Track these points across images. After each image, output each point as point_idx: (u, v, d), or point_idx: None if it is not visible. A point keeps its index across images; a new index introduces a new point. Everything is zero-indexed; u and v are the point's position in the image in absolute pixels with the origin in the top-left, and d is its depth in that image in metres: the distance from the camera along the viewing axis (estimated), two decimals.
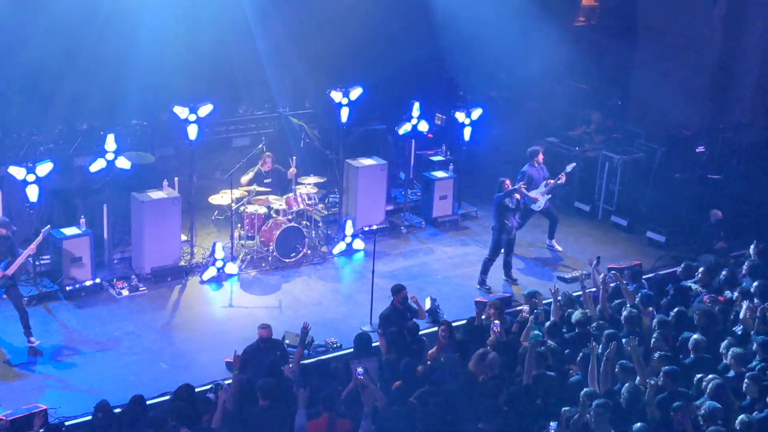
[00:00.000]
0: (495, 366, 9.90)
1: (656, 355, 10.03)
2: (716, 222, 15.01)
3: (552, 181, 15.39)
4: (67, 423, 9.95)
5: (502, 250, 14.46)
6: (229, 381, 10.04)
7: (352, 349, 11.06)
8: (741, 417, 8.73)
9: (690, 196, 16.33)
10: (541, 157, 15.43)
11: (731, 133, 17.12)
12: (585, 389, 9.19)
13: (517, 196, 14.36)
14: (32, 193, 12.97)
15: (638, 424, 8.49)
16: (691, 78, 17.89)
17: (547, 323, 10.96)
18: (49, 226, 12.67)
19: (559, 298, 11.94)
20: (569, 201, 17.61)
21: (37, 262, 13.42)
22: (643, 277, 13.13)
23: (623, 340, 10.41)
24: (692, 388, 9.64)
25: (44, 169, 13.05)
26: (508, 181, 14.38)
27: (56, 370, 11.78)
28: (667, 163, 16.78)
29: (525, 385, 9.37)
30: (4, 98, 15.83)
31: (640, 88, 18.81)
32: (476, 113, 16.56)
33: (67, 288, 13.34)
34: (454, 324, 11.55)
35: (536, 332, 11.06)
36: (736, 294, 11.90)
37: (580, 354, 10.10)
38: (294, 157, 15.29)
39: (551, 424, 8.12)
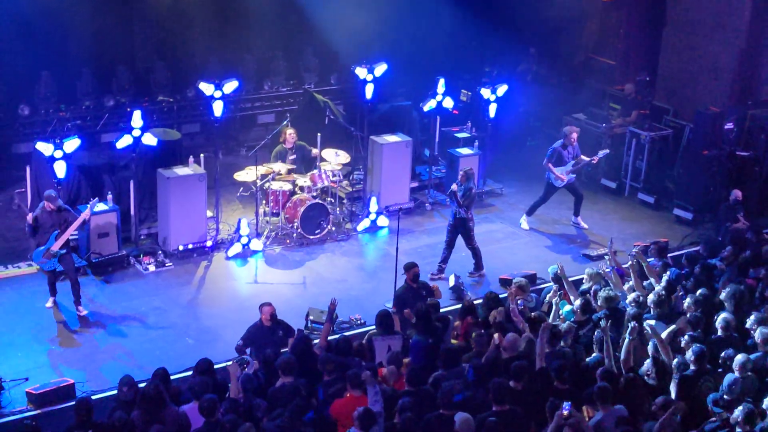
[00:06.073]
0: (516, 346, 9.85)
1: (686, 336, 9.94)
2: (734, 202, 14.87)
3: (584, 158, 15.30)
4: (94, 397, 10.07)
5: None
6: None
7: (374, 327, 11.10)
8: None
9: (718, 173, 16.16)
10: (574, 137, 15.34)
11: (760, 110, 16.90)
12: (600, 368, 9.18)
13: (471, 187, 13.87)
14: (60, 169, 13.09)
15: None
16: (719, 54, 17.67)
17: (577, 302, 10.88)
18: (96, 198, 12.85)
19: (584, 276, 11.96)
20: (595, 178, 17.50)
21: (69, 241, 13.54)
22: (669, 255, 13.07)
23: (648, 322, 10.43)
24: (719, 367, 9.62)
25: (72, 145, 13.15)
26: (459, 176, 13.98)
27: (83, 344, 11.95)
28: (695, 139, 16.60)
29: (539, 368, 9.33)
30: (32, 75, 16.02)
31: (669, 64, 18.60)
32: (502, 89, 16.47)
33: (95, 263, 13.49)
34: (476, 301, 11.59)
35: (568, 308, 11.04)
36: (762, 273, 11.82)
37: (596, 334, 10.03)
38: (319, 134, 15.32)
39: (565, 404, 8.08)
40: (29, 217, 12.14)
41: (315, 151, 15.32)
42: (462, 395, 8.67)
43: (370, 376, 8.69)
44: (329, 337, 10.71)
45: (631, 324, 9.73)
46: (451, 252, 13.84)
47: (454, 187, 13.62)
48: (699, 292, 11.03)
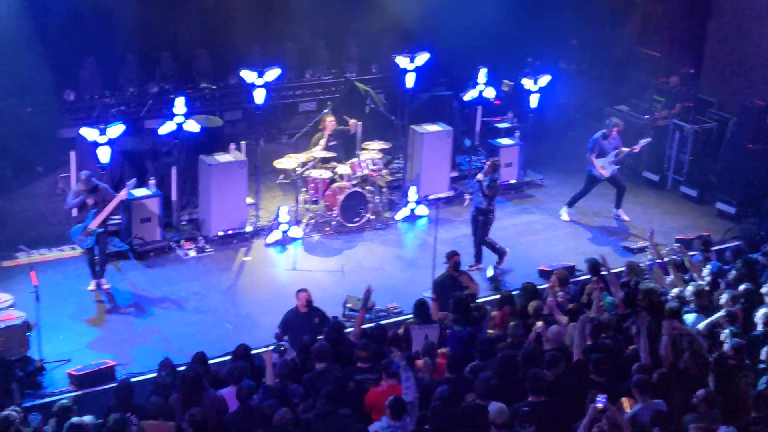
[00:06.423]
0: (560, 338, 9.80)
1: (726, 331, 9.84)
2: None
3: (625, 149, 15.19)
4: (133, 379, 10.21)
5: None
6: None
7: (412, 315, 11.12)
8: None
9: (762, 167, 15.93)
10: (616, 131, 15.21)
11: None
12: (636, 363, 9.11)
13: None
14: (104, 154, 13.22)
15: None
16: (765, 47, 17.39)
17: (621, 294, 10.81)
18: (135, 179, 13.11)
19: (624, 269, 11.88)
20: (638, 170, 17.33)
21: (108, 222, 13.72)
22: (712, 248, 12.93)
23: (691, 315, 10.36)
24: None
25: (116, 130, 13.27)
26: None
27: (124, 327, 12.13)
28: (739, 133, 16.39)
29: (576, 361, 9.27)
30: (78, 61, 16.23)
31: (715, 56, 18.35)
32: (544, 80, 16.36)
33: (137, 248, 13.66)
34: (514, 292, 11.57)
35: (610, 299, 10.97)
36: None
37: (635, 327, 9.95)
38: (360, 122, 15.34)
39: (600, 397, 8.00)
40: (90, 201, 12.40)
41: (352, 121, 15.30)
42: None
43: (401, 357, 8.70)
44: (364, 325, 10.75)
45: (665, 322, 9.65)
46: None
47: (479, 176, 13.59)
48: (742, 286, 10.91)
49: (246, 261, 13.91)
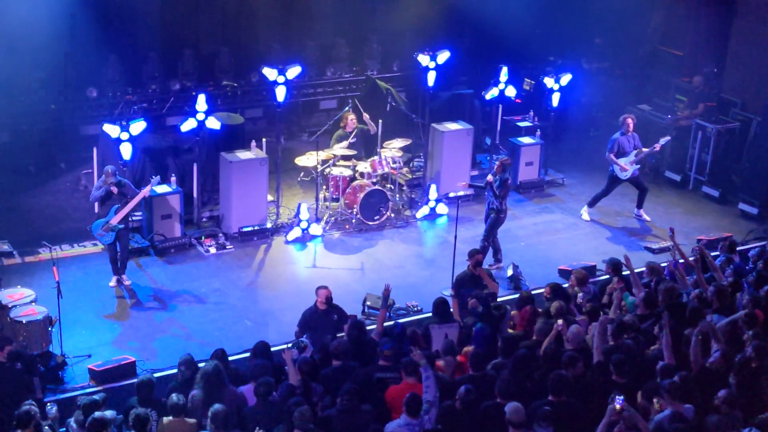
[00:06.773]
0: (580, 338, 9.76)
1: (750, 332, 9.76)
2: None
3: (645, 150, 15.12)
4: (154, 375, 10.24)
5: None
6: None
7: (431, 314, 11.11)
8: None
9: None
10: (630, 124, 15.14)
11: None
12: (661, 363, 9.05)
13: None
14: (126, 150, 13.34)
15: None
16: None
17: (641, 294, 10.75)
18: (158, 176, 13.17)
19: (644, 270, 11.80)
20: (660, 170, 17.25)
21: (129, 218, 13.80)
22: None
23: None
24: None
25: (138, 127, 13.39)
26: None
27: (145, 323, 12.19)
28: (762, 133, 16.29)
29: (597, 362, 9.23)
30: (101, 58, 16.34)
31: (738, 55, 18.22)
32: (565, 79, 16.30)
33: (158, 244, 13.73)
34: (534, 291, 11.53)
35: (632, 299, 10.91)
36: None
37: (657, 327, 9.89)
38: (381, 120, 15.35)
39: (618, 398, 7.92)
40: (114, 189, 12.45)
41: (365, 116, 15.31)
42: None
43: (421, 355, 8.70)
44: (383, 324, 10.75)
45: (701, 322, 9.56)
46: (498, 241, 13.77)
47: (489, 178, 13.53)
48: (766, 287, 10.83)
49: (266, 254, 13.96)
